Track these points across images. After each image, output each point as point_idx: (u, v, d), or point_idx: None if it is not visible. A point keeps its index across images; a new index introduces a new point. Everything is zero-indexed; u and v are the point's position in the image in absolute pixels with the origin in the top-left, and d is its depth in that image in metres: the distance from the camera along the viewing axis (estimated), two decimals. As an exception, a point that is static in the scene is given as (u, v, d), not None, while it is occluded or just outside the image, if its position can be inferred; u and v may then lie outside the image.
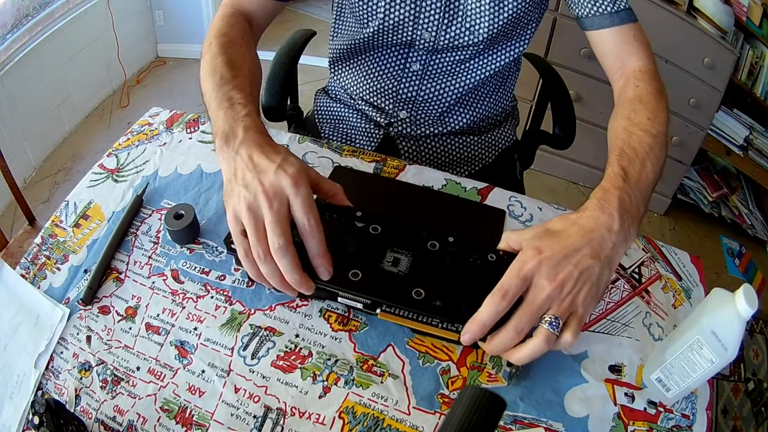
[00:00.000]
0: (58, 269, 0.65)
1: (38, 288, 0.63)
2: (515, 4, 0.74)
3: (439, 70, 0.83)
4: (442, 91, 0.85)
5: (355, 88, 0.91)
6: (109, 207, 0.71)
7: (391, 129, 0.90)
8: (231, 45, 0.67)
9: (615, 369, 0.59)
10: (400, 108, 0.87)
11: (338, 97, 0.96)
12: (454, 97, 0.86)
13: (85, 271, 0.64)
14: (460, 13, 0.76)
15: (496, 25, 0.75)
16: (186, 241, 0.67)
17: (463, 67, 0.83)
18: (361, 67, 0.88)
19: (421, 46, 0.80)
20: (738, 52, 1.60)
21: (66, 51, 2.05)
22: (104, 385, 0.56)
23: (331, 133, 0.97)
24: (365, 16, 0.78)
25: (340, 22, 0.88)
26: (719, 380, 1.37)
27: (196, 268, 0.65)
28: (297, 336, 0.59)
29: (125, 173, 0.75)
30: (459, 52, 0.80)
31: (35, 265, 0.65)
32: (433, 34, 0.78)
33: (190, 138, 0.80)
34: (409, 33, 0.78)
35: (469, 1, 0.74)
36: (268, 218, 0.51)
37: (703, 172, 1.98)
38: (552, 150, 1.08)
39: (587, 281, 0.50)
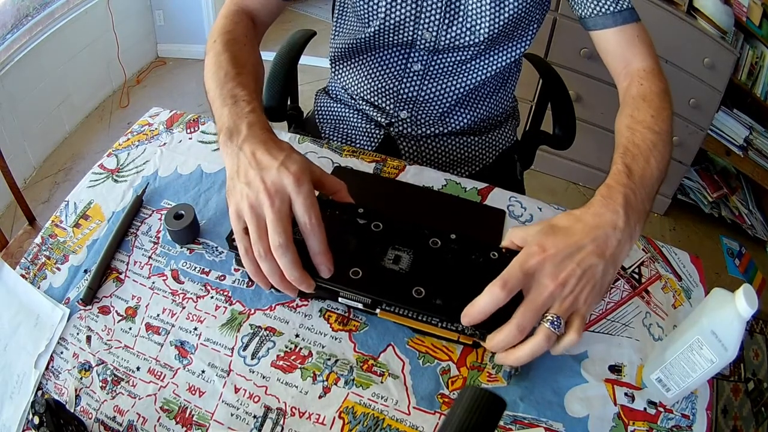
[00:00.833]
0: (58, 269, 0.65)
1: (38, 288, 0.63)
2: (516, 4, 0.74)
3: (440, 71, 0.83)
4: (443, 92, 0.85)
5: (356, 87, 0.91)
6: (109, 207, 0.71)
7: (391, 129, 0.90)
8: (235, 42, 0.67)
9: (615, 369, 0.59)
10: (401, 108, 0.87)
11: (339, 97, 0.96)
12: (455, 97, 0.86)
13: (85, 271, 0.64)
14: (461, 13, 0.76)
15: (497, 26, 0.75)
16: (186, 241, 0.67)
17: (464, 67, 0.83)
18: (363, 66, 0.88)
19: (422, 46, 0.80)
20: (738, 52, 1.60)
21: (66, 51, 2.05)
22: (104, 385, 0.56)
23: (331, 133, 0.97)
24: (366, 15, 0.78)
25: (342, 22, 0.88)
26: (719, 380, 1.37)
27: (196, 268, 0.65)
28: (297, 336, 0.59)
29: (125, 173, 0.75)
30: (460, 53, 0.80)
31: (35, 265, 0.65)
32: (434, 34, 0.78)
33: (190, 138, 0.80)
34: (410, 33, 0.78)
35: (470, 1, 0.74)
36: (269, 216, 0.51)
37: (703, 172, 1.98)
38: (552, 150, 1.08)
39: (590, 280, 0.50)
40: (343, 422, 0.53)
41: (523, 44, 0.82)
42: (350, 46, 0.85)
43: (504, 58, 0.83)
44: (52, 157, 2.05)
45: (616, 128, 0.65)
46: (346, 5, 0.84)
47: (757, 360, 1.47)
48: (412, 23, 0.77)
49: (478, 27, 0.76)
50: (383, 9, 0.76)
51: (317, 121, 0.99)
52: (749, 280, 1.82)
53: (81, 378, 0.56)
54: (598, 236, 0.51)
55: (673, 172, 1.87)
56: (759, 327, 1.53)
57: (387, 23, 0.77)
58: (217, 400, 0.54)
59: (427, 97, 0.86)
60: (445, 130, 0.90)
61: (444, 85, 0.85)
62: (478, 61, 0.82)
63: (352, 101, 0.93)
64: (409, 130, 0.89)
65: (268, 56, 1.00)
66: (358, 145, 0.92)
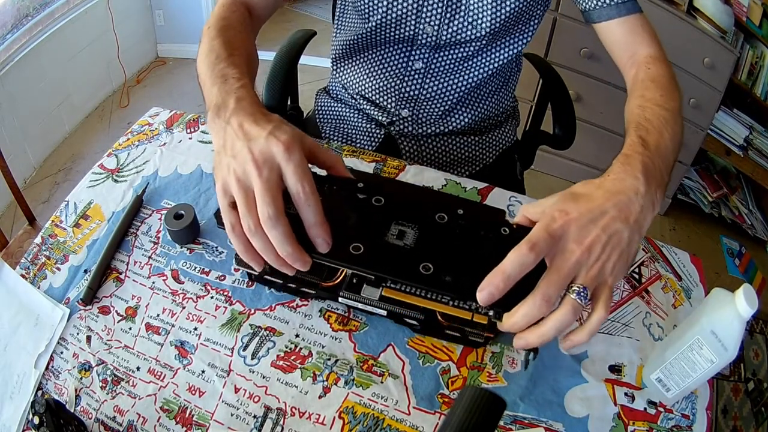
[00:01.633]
0: (58, 269, 0.65)
1: (38, 288, 0.63)
2: None
3: (441, 68, 0.83)
4: (444, 90, 0.85)
5: (357, 86, 0.91)
6: (109, 207, 0.71)
7: (392, 128, 0.90)
8: (229, 29, 0.65)
9: (615, 369, 0.59)
10: (402, 106, 0.88)
11: (339, 96, 0.96)
12: (456, 95, 0.86)
13: (85, 271, 0.64)
14: (462, 6, 0.76)
15: (498, 19, 0.75)
16: (186, 241, 0.67)
17: (465, 64, 0.83)
18: (364, 64, 0.88)
19: (423, 42, 0.80)
20: (738, 52, 1.60)
21: (66, 51, 2.05)
22: (104, 385, 0.56)
23: (332, 132, 0.97)
24: (367, 10, 0.78)
25: (343, 19, 0.88)
26: (719, 380, 1.37)
27: (196, 268, 0.65)
28: (297, 336, 0.59)
29: (125, 173, 0.75)
30: (461, 49, 0.80)
31: (35, 265, 0.65)
32: (436, 28, 0.78)
33: (190, 138, 0.80)
34: (412, 27, 0.78)
35: None
36: (257, 187, 0.47)
37: (703, 172, 1.98)
38: (552, 150, 1.08)
39: (617, 247, 0.46)
40: (343, 422, 0.53)
41: (523, 39, 0.82)
42: (351, 43, 0.85)
43: (505, 54, 0.83)
44: (52, 157, 2.05)
45: (626, 110, 0.63)
46: (346, 2, 0.84)
47: (757, 360, 1.47)
48: (413, 17, 0.77)
49: (479, 21, 0.76)
50: (384, 3, 0.76)
51: (317, 120, 0.99)
52: (749, 280, 1.82)
53: (81, 378, 0.56)
54: (620, 201, 0.48)
55: (673, 172, 1.87)
56: (759, 327, 1.53)
57: (388, 17, 0.77)
58: (217, 400, 0.54)
59: (428, 95, 0.86)
60: (446, 130, 0.90)
61: (445, 83, 0.85)
62: (479, 58, 0.82)
63: (353, 100, 0.93)
64: (410, 129, 0.89)
65: (268, 56, 1.00)
66: (358, 145, 0.92)
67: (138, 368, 0.57)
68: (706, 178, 1.96)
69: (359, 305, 0.57)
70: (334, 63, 0.94)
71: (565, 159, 2.01)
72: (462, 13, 0.76)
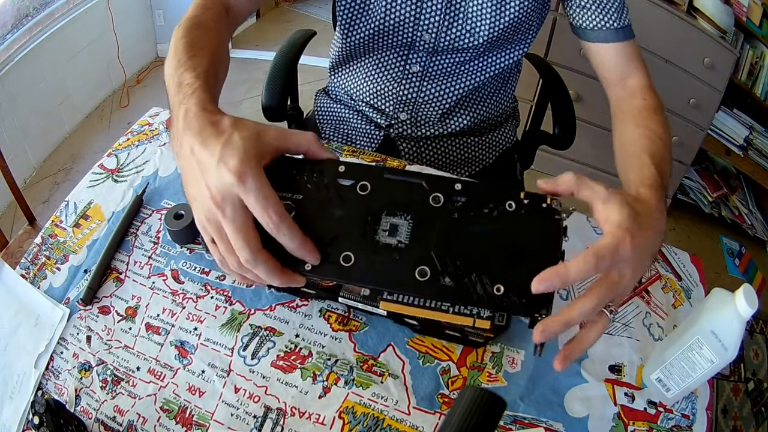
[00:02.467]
0: (58, 269, 0.65)
1: (38, 288, 0.63)
2: (517, 8, 0.74)
3: (439, 72, 0.83)
4: (442, 93, 0.85)
5: (355, 89, 0.91)
6: (109, 207, 0.71)
7: (391, 131, 0.90)
8: (198, 27, 0.61)
9: (615, 369, 0.59)
10: (401, 110, 0.87)
11: (339, 97, 0.96)
12: (454, 98, 0.86)
13: (85, 271, 0.64)
14: (461, 15, 0.75)
15: (496, 29, 0.75)
16: (186, 241, 0.67)
17: (463, 68, 0.83)
18: (361, 69, 0.88)
19: (420, 48, 0.80)
20: (738, 52, 1.60)
21: (66, 51, 2.05)
22: (104, 385, 0.56)
23: (331, 133, 0.97)
24: (365, 16, 0.78)
25: (341, 25, 0.88)
26: (719, 380, 1.37)
27: (196, 268, 0.65)
28: (297, 336, 0.59)
29: (125, 173, 0.75)
30: (459, 54, 0.80)
31: (35, 265, 0.65)
32: (433, 35, 0.77)
33: (190, 138, 0.80)
34: (409, 34, 0.78)
35: (472, 4, 0.74)
36: (226, 228, 0.45)
37: (703, 172, 1.98)
38: (552, 150, 1.08)
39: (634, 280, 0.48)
40: (343, 422, 0.53)
41: (522, 46, 0.82)
42: (349, 49, 0.85)
43: (503, 60, 0.83)
44: (52, 157, 2.05)
45: (625, 134, 0.66)
46: (345, 7, 0.83)
47: (757, 360, 1.47)
48: (411, 24, 0.77)
49: (477, 30, 0.76)
50: (382, 9, 0.76)
51: (317, 121, 0.99)
52: (749, 280, 1.82)
53: (81, 378, 0.56)
54: (657, 241, 0.49)
55: (673, 172, 1.87)
56: (759, 327, 1.53)
57: (386, 24, 0.77)
58: (217, 400, 0.54)
59: (426, 98, 0.86)
60: (445, 132, 0.90)
61: (443, 87, 0.84)
62: (477, 62, 0.82)
63: (352, 102, 0.93)
64: (409, 131, 0.89)
65: (268, 56, 1.00)
66: (358, 146, 0.92)
67: (138, 368, 0.57)
68: (706, 178, 1.96)
69: (359, 305, 0.57)
70: (332, 69, 0.94)
71: (565, 159, 2.01)
72: (460, 22, 0.76)
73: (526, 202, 0.47)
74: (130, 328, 0.60)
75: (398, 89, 0.85)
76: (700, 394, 0.57)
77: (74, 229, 0.69)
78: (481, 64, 0.83)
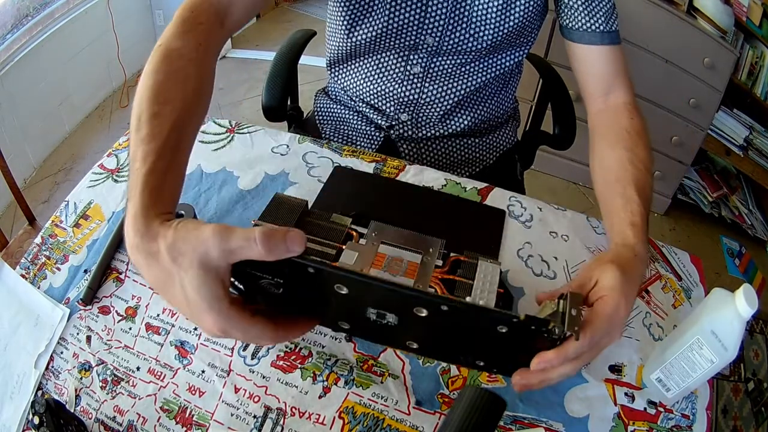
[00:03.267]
0: (58, 269, 0.65)
1: (38, 288, 0.63)
2: (522, 12, 0.74)
3: (440, 73, 0.83)
4: (443, 94, 0.85)
5: (355, 89, 0.90)
6: (109, 207, 0.71)
7: (392, 131, 0.90)
8: (171, 60, 0.55)
9: (615, 369, 0.59)
10: (401, 111, 0.87)
11: (338, 98, 0.96)
12: (455, 99, 0.85)
13: (85, 271, 0.64)
14: (466, 18, 0.75)
15: (501, 33, 0.75)
16: (186, 241, 0.66)
17: (464, 70, 0.83)
18: (362, 69, 0.87)
19: (423, 50, 0.79)
20: (738, 52, 1.60)
21: (66, 51, 2.05)
22: (104, 385, 0.56)
23: (331, 133, 0.97)
24: (367, 19, 0.77)
25: (339, 25, 0.88)
26: (719, 380, 1.36)
27: (196, 268, 0.65)
28: (297, 336, 0.59)
29: (125, 173, 0.75)
30: (461, 56, 0.80)
31: (35, 265, 0.65)
32: (437, 38, 0.77)
33: (190, 138, 0.80)
34: (413, 37, 0.78)
35: (477, 8, 0.74)
36: (239, 339, 0.49)
37: (703, 172, 1.98)
38: (552, 150, 1.08)
39: None
40: (343, 422, 0.53)
41: (524, 48, 0.82)
42: (350, 49, 0.85)
43: (505, 61, 0.83)
44: (52, 157, 2.05)
45: (613, 160, 0.64)
46: (347, 8, 0.83)
47: (757, 360, 1.47)
48: (415, 27, 0.77)
49: (481, 33, 0.76)
50: (386, 12, 0.75)
51: (317, 121, 0.99)
52: (749, 280, 1.82)
53: (81, 378, 0.56)
54: (639, 289, 0.53)
55: (673, 171, 1.87)
56: (759, 327, 1.53)
57: (390, 26, 0.77)
58: (217, 400, 0.54)
59: (427, 99, 0.85)
60: (446, 133, 0.90)
61: (444, 88, 0.84)
62: (478, 64, 0.82)
63: (352, 103, 0.92)
64: (410, 132, 0.89)
65: (268, 56, 1.00)
66: (358, 146, 0.92)
67: (138, 368, 0.57)
68: (706, 178, 1.96)
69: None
70: (330, 68, 0.93)
71: (565, 159, 2.01)
72: (465, 25, 0.76)
73: (521, 323, 0.41)
74: (130, 328, 0.60)
75: (399, 90, 0.85)
76: (700, 394, 0.57)
77: (74, 229, 0.69)
78: (482, 66, 0.82)
